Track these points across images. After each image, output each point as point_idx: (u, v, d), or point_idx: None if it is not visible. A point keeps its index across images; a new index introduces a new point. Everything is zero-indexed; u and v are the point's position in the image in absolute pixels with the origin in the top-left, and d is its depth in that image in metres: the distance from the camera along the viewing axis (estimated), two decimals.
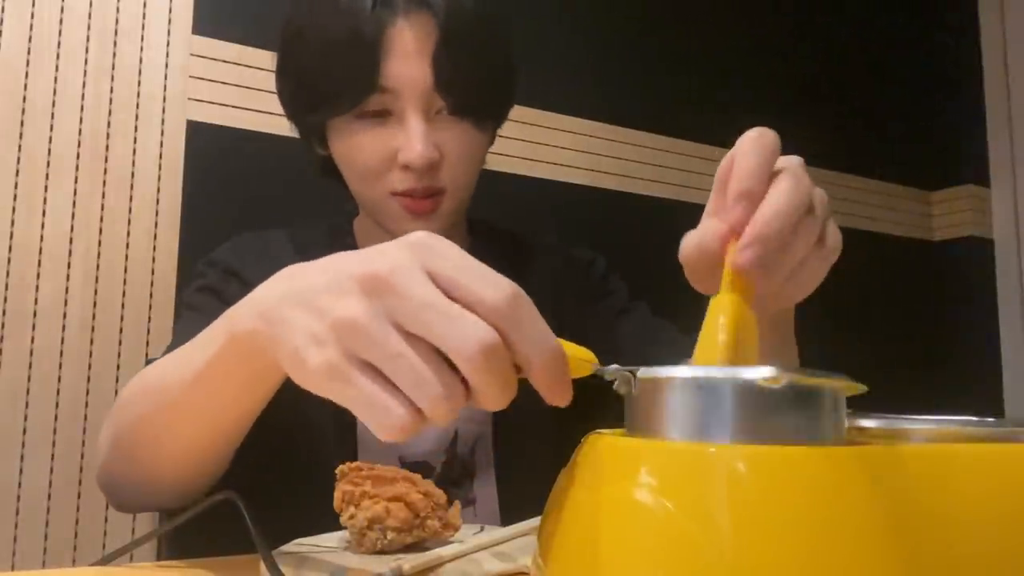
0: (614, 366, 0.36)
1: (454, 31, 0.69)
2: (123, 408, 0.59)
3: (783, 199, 0.42)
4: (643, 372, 0.34)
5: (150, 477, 0.58)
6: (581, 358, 0.38)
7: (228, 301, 0.69)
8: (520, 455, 0.77)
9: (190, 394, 0.50)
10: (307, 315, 0.38)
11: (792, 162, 0.44)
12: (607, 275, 0.90)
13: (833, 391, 0.32)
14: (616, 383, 0.36)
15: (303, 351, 0.37)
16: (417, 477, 0.54)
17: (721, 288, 0.41)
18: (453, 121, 0.72)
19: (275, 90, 0.77)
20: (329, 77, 0.70)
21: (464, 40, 0.70)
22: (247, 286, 0.74)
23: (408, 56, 0.69)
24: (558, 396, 0.36)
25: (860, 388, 0.34)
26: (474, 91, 0.71)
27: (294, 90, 0.75)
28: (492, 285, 0.35)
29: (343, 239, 0.83)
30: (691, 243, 0.44)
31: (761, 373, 0.31)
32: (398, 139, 0.70)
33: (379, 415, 0.35)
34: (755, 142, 0.44)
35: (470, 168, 0.75)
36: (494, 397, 0.35)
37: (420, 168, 0.70)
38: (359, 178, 0.74)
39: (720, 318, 0.39)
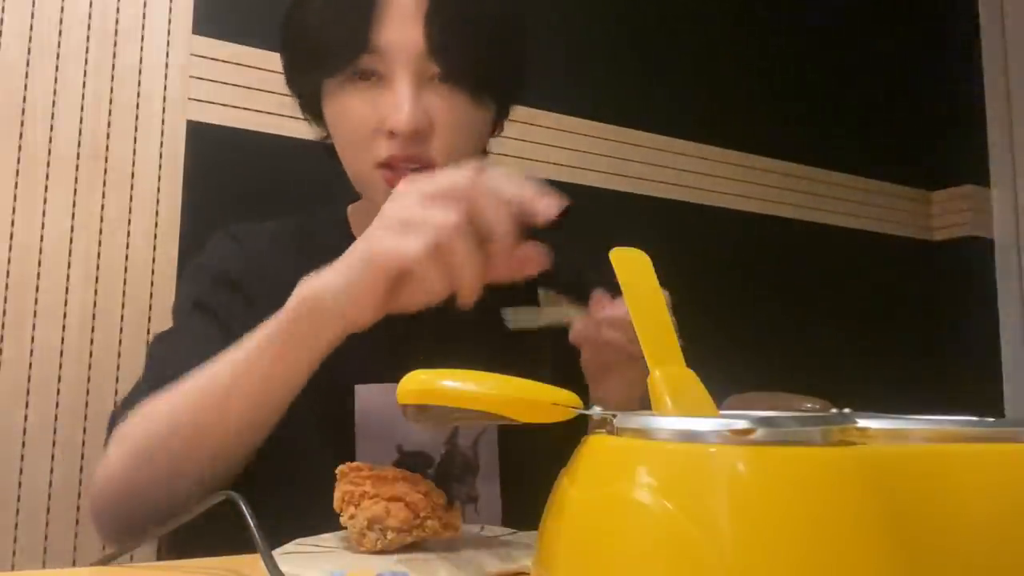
0: (597, 409, 0.37)
1: None
2: (142, 428, 0.64)
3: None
4: (619, 420, 0.35)
5: (177, 482, 0.62)
6: (563, 403, 0.38)
7: (226, 321, 0.71)
8: (526, 454, 0.76)
9: (240, 380, 0.60)
10: (350, 253, 0.57)
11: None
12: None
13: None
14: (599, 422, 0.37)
15: (356, 250, 0.56)
16: (418, 477, 0.54)
17: None
18: (447, 90, 0.70)
19: (279, 56, 0.77)
20: (323, 35, 0.70)
21: (461, 5, 0.69)
22: (248, 300, 0.75)
23: (403, 17, 0.68)
24: (506, 266, 0.55)
25: (830, 408, 0.34)
26: (469, 59, 0.69)
27: (291, 52, 0.75)
28: (455, 174, 0.54)
29: (338, 228, 0.83)
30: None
31: (736, 425, 0.31)
32: (387, 104, 0.69)
33: (403, 246, 0.52)
34: None
35: (466, 144, 0.72)
36: (465, 265, 0.52)
37: (406, 134, 0.68)
38: (347, 146, 0.73)
39: (663, 397, 0.38)
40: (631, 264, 0.44)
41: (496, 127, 0.79)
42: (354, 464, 0.55)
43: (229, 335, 0.64)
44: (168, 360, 0.71)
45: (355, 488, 0.52)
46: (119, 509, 0.65)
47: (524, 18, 0.77)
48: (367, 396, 0.74)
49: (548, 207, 0.53)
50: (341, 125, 0.73)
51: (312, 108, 0.77)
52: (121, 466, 0.64)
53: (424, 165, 0.70)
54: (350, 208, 0.85)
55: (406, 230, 0.53)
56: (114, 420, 0.70)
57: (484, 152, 0.80)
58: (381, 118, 0.69)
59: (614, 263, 0.44)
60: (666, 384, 0.38)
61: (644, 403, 0.40)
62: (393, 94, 0.68)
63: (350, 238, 0.80)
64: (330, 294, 0.56)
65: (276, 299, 0.74)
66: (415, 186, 0.55)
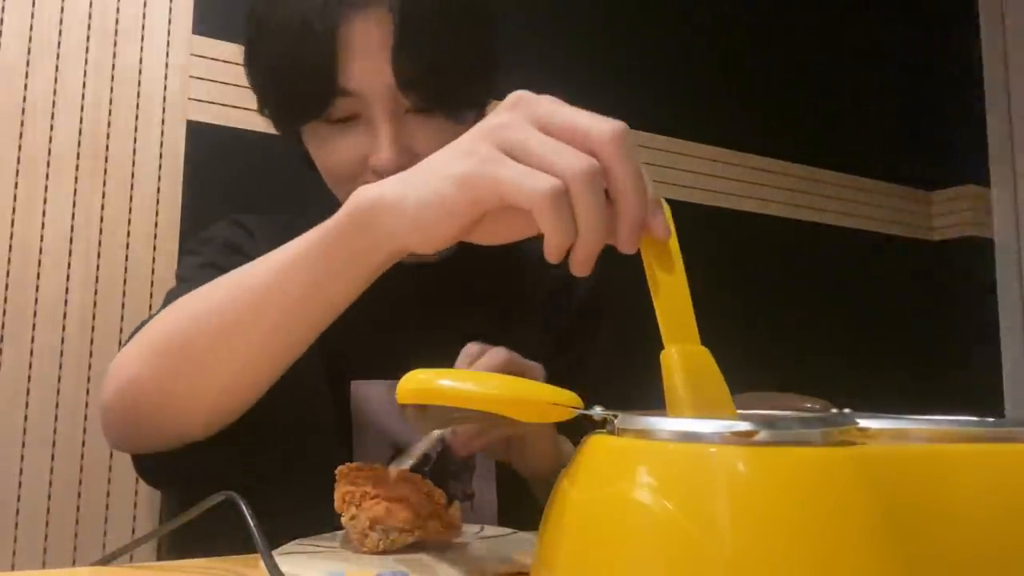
0: (597, 409, 0.37)
1: (412, 25, 0.66)
2: (170, 321, 0.59)
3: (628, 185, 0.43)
4: (620, 421, 0.35)
5: (197, 391, 0.58)
6: (563, 403, 0.38)
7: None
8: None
9: (281, 280, 0.54)
10: (438, 167, 0.47)
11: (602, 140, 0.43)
12: (589, 319, 0.87)
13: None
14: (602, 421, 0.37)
15: (454, 166, 0.45)
16: (417, 478, 0.55)
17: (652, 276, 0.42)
18: (425, 118, 0.69)
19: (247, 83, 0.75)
20: (290, 83, 0.68)
21: (424, 34, 0.66)
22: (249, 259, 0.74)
23: (369, 56, 0.66)
24: (631, 239, 0.42)
25: (830, 408, 0.34)
26: (441, 87, 0.68)
27: (262, 91, 0.73)
28: (595, 120, 0.43)
29: None
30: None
31: (736, 427, 0.31)
32: (368, 143, 0.68)
33: (528, 182, 0.41)
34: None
35: None
36: (593, 221, 0.41)
37: (391, 173, 0.68)
38: (332, 180, 0.73)
39: (675, 375, 0.38)
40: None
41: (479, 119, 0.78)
42: (354, 464, 0.55)
43: None
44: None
45: (356, 488, 0.52)
46: (137, 412, 0.61)
47: (488, 11, 0.74)
48: (363, 392, 0.74)
49: (661, 228, 0.43)
50: (324, 163, 0.72)
51: (289, 136, 0.76)
52: (143, 362, 0.59)
53: None
54: None
55: (529, 162, 0.43)
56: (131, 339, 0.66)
57: None
58: (363, 155, 0.69)
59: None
60: (680, 360, 0.38)
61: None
62: (372, 132, 0.68)
63: None
64: (394, 209, 0.48)
65: None
66: (543, 108, 0.44)
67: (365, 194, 0.50)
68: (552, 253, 0.43)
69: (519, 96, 0.45)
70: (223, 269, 0.73)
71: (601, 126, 0.42)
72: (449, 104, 0.69)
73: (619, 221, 0.42)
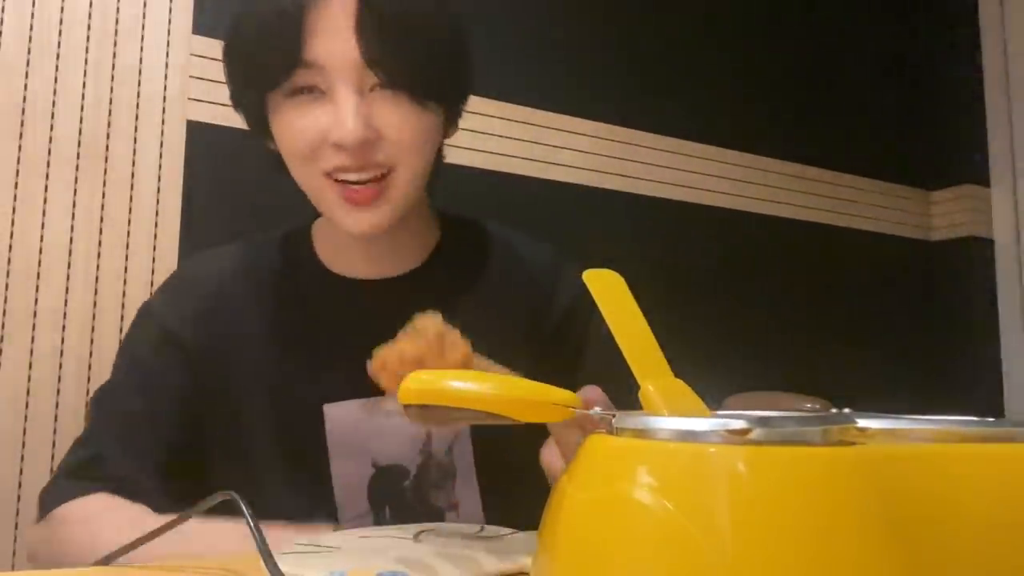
0: (596, 409, 0.37)
1: (379, 2, 0.67)
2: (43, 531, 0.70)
3: None
4: (618, 421, 0.35)
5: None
6: (563, 403, 0.38)
7: (160, 387, 0.75)
8: (502, 455, 0.74)
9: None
10: None
11: None
12: (578, 317, 0.84)
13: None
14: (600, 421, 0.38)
15: None
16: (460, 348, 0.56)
17: None
18: (390, 97, 0.69)
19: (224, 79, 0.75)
20: (255, 52, 0.70)
21: (391, 11, 0.68)
22: (183, 350, 0.78)
23: (335, 30, 0.67)
24: None
25: (830, 408, 0.34)
26: (405, 67, 0.68)
27: (228, 67, 0.74)
28: None
29: (299, 244, 0.82)
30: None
31: (736, 426, 0.31)
32: (330, 117, 0.68)
33: None
34: None
35: (416, 150, 0.71)
36: None
37: (352, 146, 0.67)
38: (295, 160, 0.72)
39: (659, 409, 0.39)
40: (605, 284, 0.45)
41: (448, 129, 0.77)
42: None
43: (157, 402, 0.73)
44: (96, 440, 0.74)
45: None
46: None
47: (461, 18, 0.75)
48: (337, 415, 0.73)
49: None
50: (286, 139, 0.72)
51: (256, 122, 0.76)
52: (30, 552, 0.72)
53: (376, 177, 0.69)
54: (315, 223, 0.84)
55: None
56: (48, 492, 0.73)
57: (439, 154, 0.78)
58: (326, 131, 0.68)
59: (589, 285, 0.44)
60: (660, 395, 0.39)
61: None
62: (335, 107, 0.68)
63: (313, 256, 0.81)
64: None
65: (225, 347, 0.77)
66: None
67: None
68: None
69: None
70: (148, 373, 0.76)
71: None
72: (413, 84, 0.69)
73: None
